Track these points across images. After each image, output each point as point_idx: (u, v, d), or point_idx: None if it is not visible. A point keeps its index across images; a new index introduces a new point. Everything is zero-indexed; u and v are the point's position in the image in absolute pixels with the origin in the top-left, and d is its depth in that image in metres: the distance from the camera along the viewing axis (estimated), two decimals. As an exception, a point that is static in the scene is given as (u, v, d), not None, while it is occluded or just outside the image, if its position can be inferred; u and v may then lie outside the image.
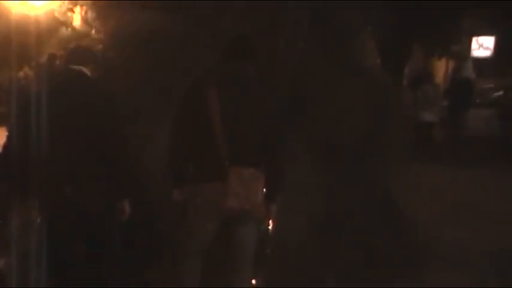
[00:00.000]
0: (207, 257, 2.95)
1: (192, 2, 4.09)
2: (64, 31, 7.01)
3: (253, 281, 3.05)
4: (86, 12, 6.76)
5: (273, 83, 2.98)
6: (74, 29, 7.04)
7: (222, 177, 2.77)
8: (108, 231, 3.07)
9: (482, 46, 16.49)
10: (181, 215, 2.91)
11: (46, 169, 2.86)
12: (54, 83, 3.02)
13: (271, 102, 2.94)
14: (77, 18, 7.09)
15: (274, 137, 2.90)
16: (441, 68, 14.45)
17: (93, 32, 6.51)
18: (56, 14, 6.78)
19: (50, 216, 2.97)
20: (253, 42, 2.98)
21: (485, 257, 4.66)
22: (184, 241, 2.96)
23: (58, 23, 6.74)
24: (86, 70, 2.99)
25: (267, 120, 2.87)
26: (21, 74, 6.19)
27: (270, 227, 3.10)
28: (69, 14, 7.09)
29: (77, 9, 7.03)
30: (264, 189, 2.88)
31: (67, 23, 6.97)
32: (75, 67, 2.98)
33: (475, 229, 5.37)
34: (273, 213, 2.97)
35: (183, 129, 2.87)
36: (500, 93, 11.06)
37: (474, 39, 16.24)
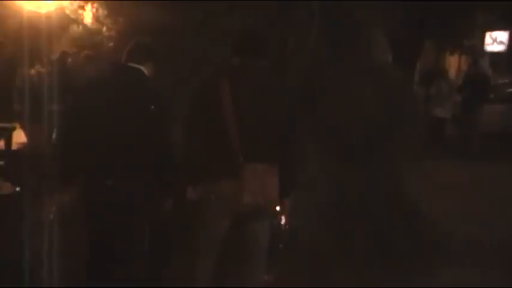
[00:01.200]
0: (220, 253, 2.95)
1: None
2: (75, 28, 7.05)
3: (266, 277, 3.04)
4: (96, 10, 6.79)
5: (285, 79, 2.95)
6: (85, 26, 7.06)
7: (236, 174, 2.75)
8: (142, 226, 3.06)
9: (496, 41, 16.28)
10: (196, 212, 2.91)
11: (89, 161, 2.86)
12: (109, 77, 3.04)
13: (283, 98, 2.92)
14: (88, 16, 7.11)
15: (287, 132, 2.87)
16: (454, 64, 14.32)
17: (104, 29, 6.54)
18: (67, 12, 6.80)
19: (90, 208, 2.97)
20: (263, 37, 2.96)
21: (498, 253, 4.62)
22: (198, 238, 2.96)
23: (69, 21, 6.77)
24: (144, 69, 2.96)
25: (280, 116, 2.85)
26: (32, 71, 6.22)
27: (282, 223, 3.08)
28: (80, 11, 7.11)
29: (88, 6, 7.06)
30: (278, 185, 2.86)
31: (78, 21, 6.99)
32: (134, 66, 2.95)
33: (488, 225, 5.33)
34: (287, 209, 2.96)
35: (196, 127, 2.85)
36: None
37: (488, 33, 16.05)
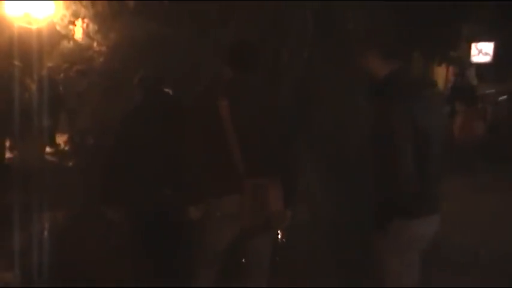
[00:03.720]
0: (221, 266, 2.93)
1: (194, 11, 4.09)
2: (66, 44, 7.02)
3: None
4: (87, 25, 6.78)
5: (280, 91, 2.95)
6: (75, 42, 7.05)
7: (239, 189, 2.73)
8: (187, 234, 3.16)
9: (482, 52, 16.50)
10: (199, 227, 2.90)
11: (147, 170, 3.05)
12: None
13: (280, 110, 2.90)
14: (78, 31, 7.10)
15: (286, 144, 2.85)
16: (441, 75, 14.45)
17: (94, 44, 6.53)
18: (58, 28, 6.78)
19: (143, 216, 3.13)
20: (254, 50, 2.92)
21: (495, 261, 4.62)
22: (199, 251, 2.94)
23: (60, 36, 6.75)
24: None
25: (279, 128, 2.82)
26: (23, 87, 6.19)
27: (279, 235, 3.08)
28: (71, 27, 7.10)
29: (79, 22, 7.05)
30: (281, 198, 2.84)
31: (69, 36, 6.97)
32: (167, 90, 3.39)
33: (483, 233, 5.33)
34: (288, 221, 2.93)
35: (195, 144, 2.82)
36: (504, 97, 11.04)
37: (473, 45, 16.25)
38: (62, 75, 6.53)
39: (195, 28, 4.17)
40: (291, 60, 3.65)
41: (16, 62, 6.32)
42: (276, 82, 3.01)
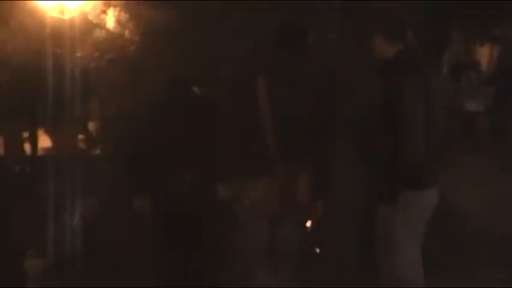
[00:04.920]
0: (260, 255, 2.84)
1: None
2: (98, 33, 7.06)
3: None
4: (119, 14, 6.81)
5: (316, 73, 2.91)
6: (107, 30, 7.09)
7: (269, 171, 2.67)
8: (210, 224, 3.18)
9: (528, 30, 15.80)
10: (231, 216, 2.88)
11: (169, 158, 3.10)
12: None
13: (320, 93, 2.85)
14: (110, 20, 7.14)
15: (323, 129, 2.80)
16: (485, 54, 13.94)
17: (126, 32, 6.55)
18: (90, 17, 6.83)
19: (166, 203, 3.15)
20: (303, 31, 2.93)
21: None
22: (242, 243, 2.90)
23: (92, 25, 6.79)
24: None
25: (316, 112, 2.78)
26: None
27: (309, 224, 3.00)
28: (103, 16, 7.15)
29: (110, 10, 7.08)
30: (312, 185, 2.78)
31: (101, 25, 7.02)
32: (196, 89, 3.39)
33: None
34: (320, 210, 2.88)
35: (229, 121, 2.81)
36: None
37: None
38: (93, 64, 6.58)
39: (223, 12, 4.13)
40: (319, 41, 3.57)
41: (58, 50, 6.40)
42: (313, 65, 2.96)
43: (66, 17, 7.04)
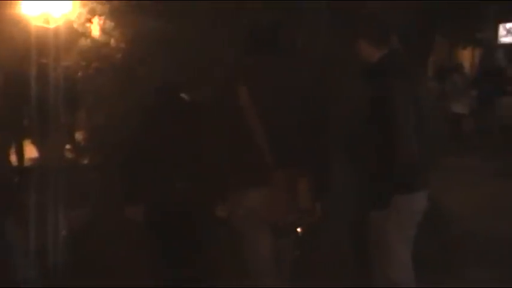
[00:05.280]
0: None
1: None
2: (83, 42, 7.03)
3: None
4: (104, 22, 6.78)
5: (301, 75, 2.88)
6: (93, 39, 7.05)
7: (266, 181, 2.64)
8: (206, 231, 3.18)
9: (510, 32, 16.04)
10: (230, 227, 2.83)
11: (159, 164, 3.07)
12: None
13: (305, 95, 2.77)
14: (95, 29, 7.10)
15: (314, 135, 2.75)
16: (467, 58, 14.12)
17: (112, 41, 6.52)
18: (75, 26, 6.79)
19: (157, 210, 3.14)
20: (274, 31, 2.85)
21: None
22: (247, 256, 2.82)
23: (77, 34, 6.75)
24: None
25: (305, 117, 2.73)
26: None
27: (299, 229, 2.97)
28: (88, 24, 7.11)
29: (95, 19, 7.05)
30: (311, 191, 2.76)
31: (86, 34, 6.97)
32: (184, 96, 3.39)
33: (509, 221, 5.19)
34: (318, 216, 2.84)
35: (218, 136, 2.76)
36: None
37: (501, 25, 15.82)
38: (80, 73, 6.55)
39: (211, 19, 4.11)
40: (307, 44, 3.56)
41: (43, 60, 6.35)
42: (295, 66, 2.93)
43: (51, 26, 7.02)
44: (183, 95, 3.42)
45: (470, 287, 3.76)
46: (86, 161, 5.06)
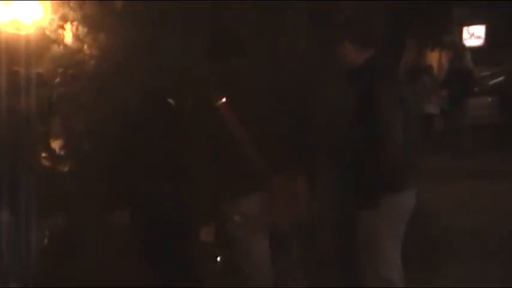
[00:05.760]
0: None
1: (185, 7, 4.02)
2: (56, 48, 6.92)
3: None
4: (76, 29, 6.69)
5: (279, 78, 2.89)
6: (65, 45, 6.95)
7: (258, 187, 2.65)
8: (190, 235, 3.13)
9: (474, 35, 16.50)
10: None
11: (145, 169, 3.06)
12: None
13: (283, 98, 2.81)
14: (68, 35, 6.99)
15: (301, 139, 2.81)
16: (435, 59, 14.44)
17: (85, 47, 6.44)
18: (47, 32, 6.68)
19: (144, 214, 3.13)
20: (234, 36, 2.85)
21: (492, 246, 4.61)
22: (242, 262, 2.82)
23: (49, 41, 6.64)
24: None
25: (291, 122, 2.77)
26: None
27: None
28: (60, 31, 7.01)
29: (68, 25, 6.95)
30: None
31: (58, 40, 6.87)
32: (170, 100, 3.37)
33: (480, 219, 5.34)
34: (313, 218, 2.87)
35: (200, 148, 2.73)
36: (500, 79, 11.05)
37: (465, 28, 16.25)
38: (57, 79, 6.45)
39: (186, 26, 4.09)
40: (287, 50, 3.59)
41: (16, 68, 6.19)
42: (273, 71, 2.94)
43: (23, 32, 6.87)
44: (169, 100, 3.40)
45: (461, 287, 3.83)
46: (63, 169, 4.98)
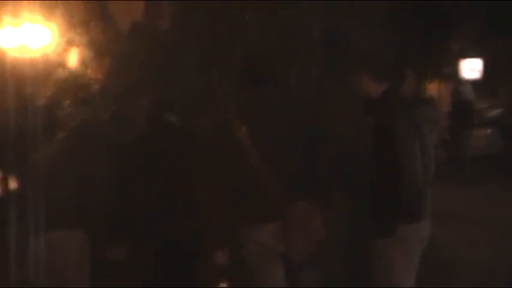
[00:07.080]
0: None
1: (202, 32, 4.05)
2: (61, 72, 6.97)
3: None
4: (82, 52, 6.77)
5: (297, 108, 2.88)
6: (70, 69, 7.01)
7: (274, 216, 2.62)
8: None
9: (470, 68, 16.72)
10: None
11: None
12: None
13: (303, 128, 2.78)
14: (72, 59, 7.06)
15: (318, 168, 2.74)
16: (434, 91, 14.61)
17: (89, 71, 6.51)
18: (52, 56, 6.75)
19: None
20: (271, 63, 2.84)
21: (492, 274, 4.56)
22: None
23: (54, 65, 6.71)
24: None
25: (307, 151, 2.73)
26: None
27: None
28: (66, 55, 7.07)
29: (72, 49, 7.02)
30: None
31: (63, 64, 6.94)
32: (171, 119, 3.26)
33: (492, 247, 5.29)
34: (328, 247, 2.83)
35: (217, 173, 2.70)
36: (498, 111, 11.18)
37: (463, 61, 16.48)
38: (67, 102, 6.47)
39: (202, 48, 4.11)
40: (300, 78, 3.59)
41: (28, 90, 6.18)
42: (289, 100, 2.92)
43: (27, 56, 6.92)
44: (174, 123, 3.28)
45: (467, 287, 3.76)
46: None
